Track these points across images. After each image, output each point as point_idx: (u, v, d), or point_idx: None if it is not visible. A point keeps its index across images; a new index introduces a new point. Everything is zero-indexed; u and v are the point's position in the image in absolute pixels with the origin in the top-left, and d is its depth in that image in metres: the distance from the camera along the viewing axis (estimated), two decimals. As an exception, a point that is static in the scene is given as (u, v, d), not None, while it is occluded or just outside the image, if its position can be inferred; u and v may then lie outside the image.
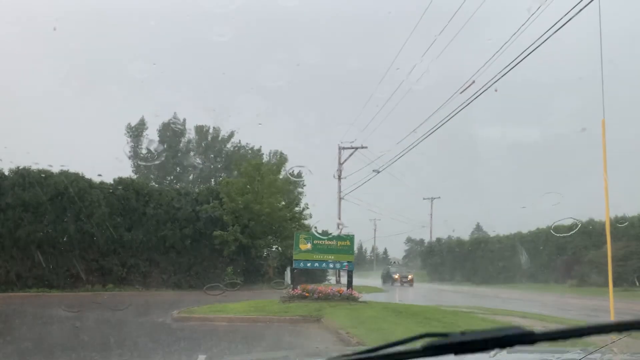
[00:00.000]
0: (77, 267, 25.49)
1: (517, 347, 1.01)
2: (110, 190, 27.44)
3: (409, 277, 44.72)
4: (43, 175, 25.69)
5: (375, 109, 40.44)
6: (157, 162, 50.79)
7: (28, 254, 24.45)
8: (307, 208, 32.26)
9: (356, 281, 20.73)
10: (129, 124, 48.44)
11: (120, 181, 28.60)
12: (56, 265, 24.90)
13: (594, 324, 0.94)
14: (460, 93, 14.79)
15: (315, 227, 31.93)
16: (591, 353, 1.82)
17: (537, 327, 11.59)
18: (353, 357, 1.22)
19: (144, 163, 49.59)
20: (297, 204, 32.13)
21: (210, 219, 28.77)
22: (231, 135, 51.82)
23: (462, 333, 1.03)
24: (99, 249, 26.34)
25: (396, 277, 45.43)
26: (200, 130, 52.09)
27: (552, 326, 12.14)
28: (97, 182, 27.35)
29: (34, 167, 25.83)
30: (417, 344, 1.09)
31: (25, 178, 25.26)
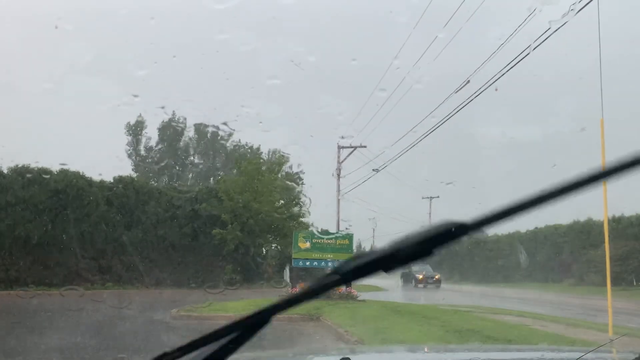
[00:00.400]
0: (76, 266, 25.51)
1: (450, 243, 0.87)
2: (110, 189, 27.45)
3: (436, 276, 38.45)
4: (42, 173, 25.70)
5: (376, 108, 40.49)
6: (156, 161, 50.81)
7: (27, 252, 24.47)
8: (306, 206, 32.28)
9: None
10: (129, 122, 48.44)
11: (119, 180, 28.61)
12: (55, 263, 24.92)
13: (524, 199, 0.88)
14: (455, 93, 14.78)
15: (314, 226, 32.05)
16: (590, 352, 1.83)
17: (536, 325, 11.55)
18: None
19: (143, 162, 49.61)
20: (297, 203, 32.14)
21: (209, 218, 28.79)
22: (231, 134, 51.82)
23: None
24: (98, 247, 26.34)
25: (420, 277, 38.24)
26: (200, 129, 52.10)
27: (552, 327, 12.16)
28: (97, 181, 27.35)
29: (34, 165, 25.85)
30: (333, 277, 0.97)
31: (24, 176, 25.26)
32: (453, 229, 0.86)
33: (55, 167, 26.62)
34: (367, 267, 0.90)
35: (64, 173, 26.32)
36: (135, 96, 54.27)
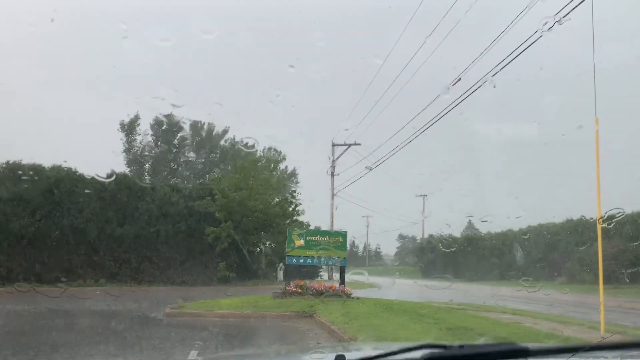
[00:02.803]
0: (69, 262, 25.39)
1: None
2: (103, 186, 27.32)
3: None
4: (35, 170, 25.55)
5: (371, 106, 40.49)
6: (150, 158, 50.60)
7: (19, 249, 24.33)
8: (301, 204, 32.27)
9: (348, 277, 20.80)
10: (123, 119, 48.18)
11: (112, 176, 28.48)
12: (48, 260, 24.80)
13: (587, 343, 0.98)
14: (448, 89, 14.81)
15: (309, 224, 32.07)
16: (584, 350, 1.85)
17: (528, 323, 11.60)
18: None
19: (137, 159, 49.39)
20: (291, 201, 32.12)
21: (203, 215, 28.72)
22: (226, 131, 51.72)
23: (461, 346, 1.05)
24: (91, 244, 26.23)
25: None
26: (195, 126, 51.95)
27: (544, 325, 12.24)
28: (90, 177, 27.19)
29: (26, 161, 25.69)
30: (417, 354, 1.09)
31: (16, 172, 25.11)
32: (515, 351, 0.95)
33: (48, 163, 26.50)
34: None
35: (56, 169, 26.18)
36: (130, 92, 54.05)
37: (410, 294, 26.59)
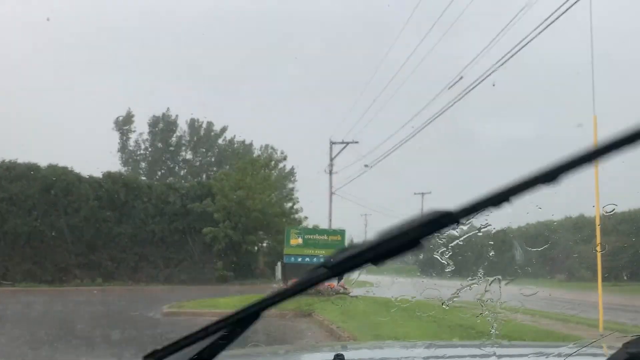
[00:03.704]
0: (66, 262, 25.32)
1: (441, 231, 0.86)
2: (100, 185, 27.24)
3: None
4: (31, 169, 25.46)
5: (370, 103, 40.48)
6: (146, 156, 50.50)
7: (15, 248, 24.25)
8: (298, 202, 32.25)
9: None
10: (119, 117, 48.08)
11: (109, 175, 28.40)
12: (44, 259, 24.72)
13: (508, 185, 0.85)
14: (449, 89, 14.79)
15: (307, 222, 32.03)
16: (584, 347, 1.80)
17: (526, 321, 11.60)
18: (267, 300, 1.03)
19: (133, 157, 49.29)
20: (290, 201, 32.10)
21: (201, 214, 28.67)
22: (224, 129, 51.60)
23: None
24: (87, 243, 26.16)
25: None
26: (193, 124, 51.84)
27: (543, 322, 12.22)
28: (86, 176, 27.14)
29: (22, 160, 25.62)
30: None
31: (12, 171, 25.02)
32: (440, 218, 0.83)
33: (43, 162, 26.41)
34: (355, 259, 0.88)
35: (52, 168, 26.09)
36: (127, 91, 53.92)
37: (409, 293, 26.56)
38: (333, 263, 0.89)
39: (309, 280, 0.96)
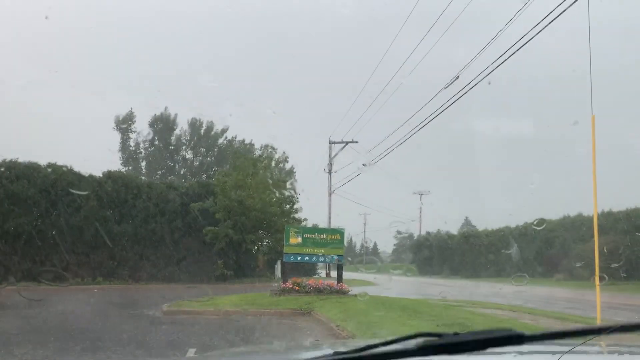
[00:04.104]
0: (66, 261, 25.34)
1: (508, 348, 1.05)
2: (100, 184, 27.27)
3: None
4: (31, 168, 25.48)
5: (369, 103, 40.49)
6: (147, 155, 50.51)
7: (16, 247, 24.28)
8: (298, 202, 32.28)
9: (346, 275, 20.83)
10: (120, 117, 48.09)
11: (109, 174, 28.42)
12: (45, 258, 24.75)
13: (579, 327, 0.99)
14: (445, 88, 14.83)
15: (306, 221, 32.06)
16: (579, 345, 1.86)
17: (526, 319, 11.63)
18: (345, 355, 1.23)
19: (133, 157, 49.29)
20: (290, 200, 32.12)
21: (201, 213, 28.72)
22: (225, 129, 51.61)
23: (456, 334, 1.06)
24: (88, 242, 26.19)
25: None
26: (194, 124, 51.86)
27: (541, 321, 12.29)
28: (86, 176, 27.17)
29: (22, 160, 25.63)
30: (411, 343, 1.11)
31: (12, 171, 25.04)
32: (511, 337, 0.97)
33: (44, 162, 26.42)
34: (439, 348, 1.08)
35: (53, 168, 26.11)
36: (127, 90, 53.88)
37: (408, 291, 26.65)
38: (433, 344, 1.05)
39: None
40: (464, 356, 1.08)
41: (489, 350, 1.05)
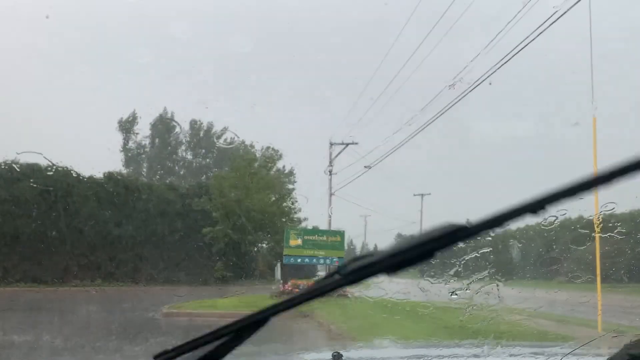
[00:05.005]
0: (65, 262, 25.32)
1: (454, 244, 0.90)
2: (100, 185, 27.27)
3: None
4: (31, 169, 25.46)
5: (370, 104, 40.48)
6: (147, 157, 50.55)
7: (15, 248, 24.25)
8: (298, 203, 32.26)
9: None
10: (120, 118, 48.07)
11: (109, 176, 28.42)
12: (44, 260, 24.72)
13: (525, 202, 0.88)
14: (448, 89, 14.82)
15: (306, 223, 32.03)
16: (579, 347, 1.82)
17: (526, 322, 11.65)
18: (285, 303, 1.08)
19: (134, 158, 49.32)
20: (289, 201, 32.10)
21: (200, 214, 28.71)
22: (224, 130, 51.62)
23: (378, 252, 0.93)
24: (87, 243, 26.16)
25: None
26: (193, 125, 51.92)
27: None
28: (86, 177, 27.16)
29: (22, 160, 25.63)
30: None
31: (12, 172, 25.03)
32: (455, 231, 0.86)
33: (44, 163, 26.40)
34: (369, 268, 0.91)
35: (52, 168, 26.09)
36: (127, 91, 53.93)
37: (408, 293, 26.58)
38: (347, 271, 0.92)
39: (323, 287, 1.00)
40: (464, 350, 1.01)
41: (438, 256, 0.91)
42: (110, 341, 9.78)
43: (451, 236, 0.86)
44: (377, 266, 0.90)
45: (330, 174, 34.65)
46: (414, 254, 0.88)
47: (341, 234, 19.21)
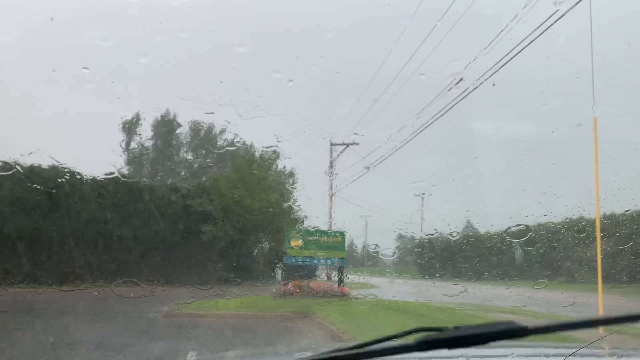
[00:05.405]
0: (67, 263, 25.32)
1: (510, 342, 1.01)
2: (102, 186, 27.29)
3: None
4: (32, 169, 25.47)
5: (370, 104, 40.42)
6: (149, 158, 50.58)
7: (16, 249, 24.26)
8: (298, 203, 32.24)
9: (347, 277, 20.79)
10: (122, 118, 48.07)
11: (111, 177, 28.43)
12: (45, 261, 24.74)
13: (583, 318, 0.95)
14: (448, 90, 14.82)
15: (307, 223, 32.01)
16: (582, 348, 1.81)
17: (530, 323, 11.67)
18: (344, 351, 1.20)
19: (135, 159, 49.35)
20: (290, 201, 32.09)
21: (201, 214, 28.74)
22: (223, 130, 51.67)
23: (456, 328, 1.03)
24: (89, 245, 26.17)
25: None
26: (194, 126, 51.93)
27: (544, 321, 12.23)
28: (88, 178, 27.15)
29: (24, 161, 25.62)
30: (411, 339, 1.08)
31: (15, 173, 25.03)
32: (513, 330, 0.95)
33: (46, 163, 26.41)
34: (445, 343, 1.05)
35: (54, 169, 26.10)
36: (129, 92, 53.92)
37: (409, 294, 26.58)
38: (424, 340, 1.02)
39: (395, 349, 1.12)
40: (465, 350, 1.06)
41: (491, 344, 1.01)
42: (109, 341, 9.78)
43: (508, 333, 0.95)
44: (444, 342, 1.05)
45: (331, 175, 34.68)
46: (472, 340, 1.02)
47: (342, 234, 19.22)
